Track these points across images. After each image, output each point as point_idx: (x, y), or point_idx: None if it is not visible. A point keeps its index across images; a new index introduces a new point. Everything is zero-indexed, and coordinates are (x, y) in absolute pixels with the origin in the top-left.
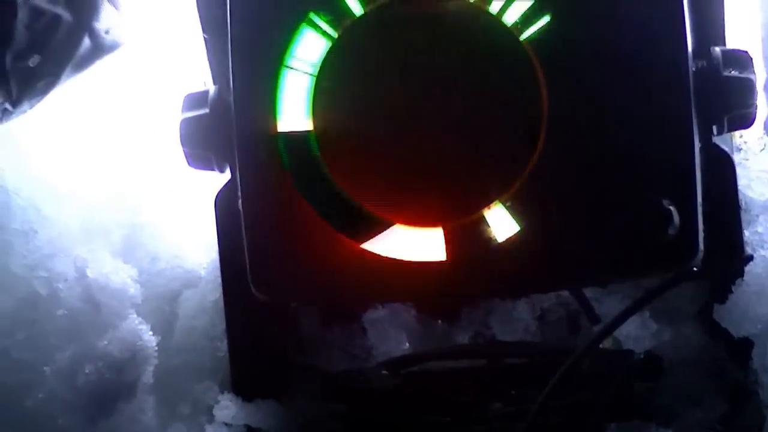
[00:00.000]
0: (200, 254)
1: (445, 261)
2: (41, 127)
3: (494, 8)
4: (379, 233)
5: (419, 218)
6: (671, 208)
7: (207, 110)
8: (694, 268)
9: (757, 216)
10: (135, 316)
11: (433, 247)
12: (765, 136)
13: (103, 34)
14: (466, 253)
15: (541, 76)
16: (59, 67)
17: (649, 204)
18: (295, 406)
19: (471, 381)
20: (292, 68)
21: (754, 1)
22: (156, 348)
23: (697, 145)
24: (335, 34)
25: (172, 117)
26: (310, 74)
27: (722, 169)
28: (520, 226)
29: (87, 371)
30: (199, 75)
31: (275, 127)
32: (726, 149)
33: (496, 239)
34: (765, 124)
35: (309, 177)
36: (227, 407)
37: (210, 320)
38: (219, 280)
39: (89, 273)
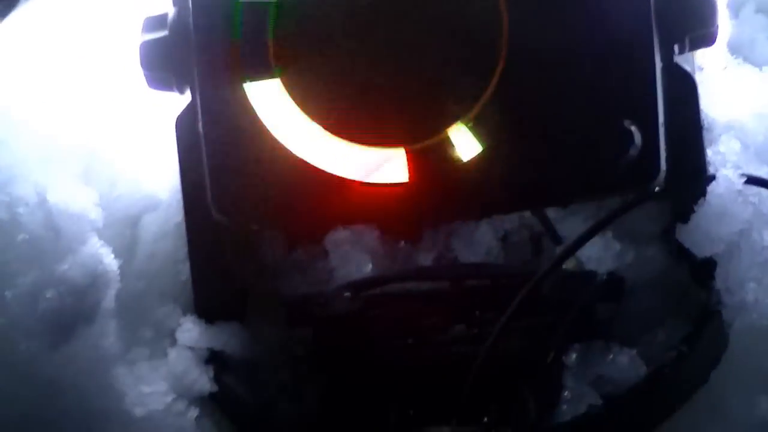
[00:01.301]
0: (161, 178)
1: (408, 182)
2: None
3: None
4: (340, 155)
5: (381, 139)
6: (632, 128)
7: (166, 32)
8: (656, 188)
9: (720, 135)
10: (96, 240)
11: (396, 168)
12: (728, 55)
13: None
14: (428, 174)
15: None
16: None
17: (610, 124)
18: (259, 331)
19: (433, 303)
20: None
21: None
22: (118, 272)
23: (659, 65)
24: None
25: (132, 40)
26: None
27: (684, 88)
28: (482, 146)
29: (48, 296)
30: None
31: (235, 45)
32: (688, 69)
33: (458, 160)
34: (728, 43)
35: (268, 99)
36: (189, 330)
37: (172, 244)
38: (181, 203)
39: (49, 198)
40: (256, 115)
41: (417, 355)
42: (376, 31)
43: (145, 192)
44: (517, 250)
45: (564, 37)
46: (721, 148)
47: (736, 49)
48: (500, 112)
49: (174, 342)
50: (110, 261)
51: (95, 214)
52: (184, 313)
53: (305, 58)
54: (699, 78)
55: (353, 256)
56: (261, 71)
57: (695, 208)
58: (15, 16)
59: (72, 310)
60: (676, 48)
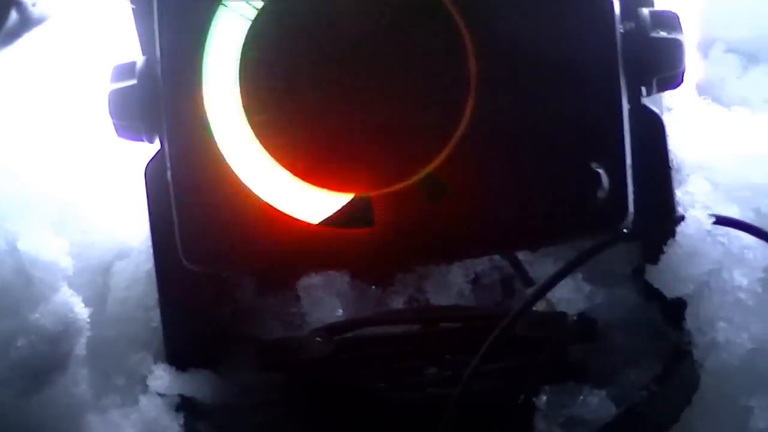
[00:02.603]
0: (132, 226)
1: (376, 227)
2: None
3: None
4: (308, 202)
5: (349, 184)
6: (600, 170)
7: (135, 81)
8: (625, 230)
9: (689, 176)
10: (67, 288)
11: (364, 213)
12: (696, 96)
13: (30, 7)
14: (397, 219)
15: (468, 40)
16: None
17: (578, 167)
18: (231, 376)
19: (406, 346)
20: (217, 43)
21: None
22: (89, 320)
23: (626, 106)
24: (261, 5)
25: (101, 89)
26: (237, 50)
27: (652, 129)
28: (450, 191)
29: (19, 344)
30: (127, 46)
31: (202, 97)
32: (656, 110)
33: (427, 204)
34: (696, 84)
35: (237, 146)
36: (161, 377)
37: (143, 291)
38: (151, 250)
39: (20, 246)
40: (224, 162)
41: (390, 398)
42: (344, 77)
43: (116, 240)
44: (489, 292)
45: (531, 81)
46: (690, 188)
47: (705, 89)
48: (468, 157)
49: (145, 389)
50: (81, 309)
51: (66, 263)
52: (156, 360)
53: (273, 104)
54: (667, 119)
55: (325, 301)
56: (230, 120)
57: (665, 248)
58: None
59: (44, 358)
60: (643, 90)
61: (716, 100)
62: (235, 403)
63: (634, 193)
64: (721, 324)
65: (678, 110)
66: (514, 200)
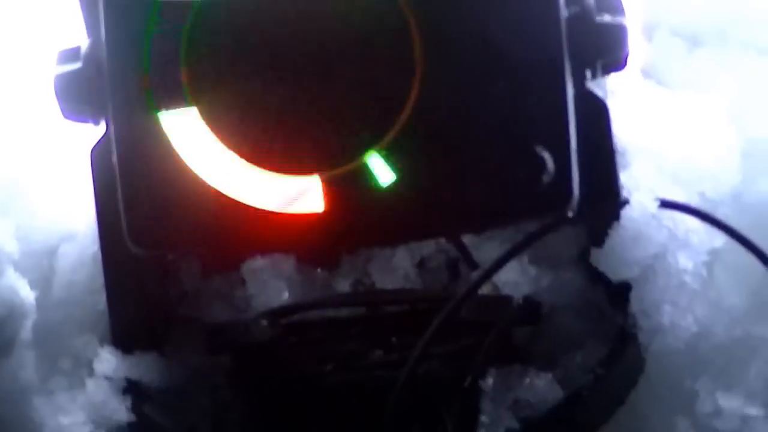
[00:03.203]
0: (77, 209)
1: (323, 210)
2: None
3: None
4: (253, 184)
5: (294, 167)
6: (545, 154)
7: (80, 64)
8: (570, 213)
9: (633, 160)
10: (12, 271)
11: (311, 196)
12: (641, 79)
13: None
14: (343, 202)
15: (413, 25)
16: None
17: (522, 150)
18: (177, 359)
19: (351, 329)
20: (162, 21)
21: None
22: (34, 303)
23: (570, 91)
24: None
25: (46, 72)
26: (181, 28)
27: (597, 113)
28: (396, 174)
29: None
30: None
31: (146, 79)
32: (600, 94)
33: (373, 188)
34: (641, 68)
35: (183, 128)
36: (107, 360)
37: (89, 274)
38: (97, 234)
39: None
40: (170, 144)
41: (337, 381)
42: (290, 59)
43: (62, 223)
44: (434, 275)
45: (476, 64)
46: (635, 171)
47: (649, 72)
48: (414, 140)
49: (92, 372)
50: (27, 292)
51: (12, 246)
52: (102, 344)
53: (219, 87)
54: (612, 102)
55: (271, 284)
56: (175, 100)
57: (610, 232)
58: None
59: None
60: (588, 73)
61: (661, 83)
62: (182, 385)
63: (579, 176)
64: (666, 307)
65: (622, 94)
66: (459, 183)
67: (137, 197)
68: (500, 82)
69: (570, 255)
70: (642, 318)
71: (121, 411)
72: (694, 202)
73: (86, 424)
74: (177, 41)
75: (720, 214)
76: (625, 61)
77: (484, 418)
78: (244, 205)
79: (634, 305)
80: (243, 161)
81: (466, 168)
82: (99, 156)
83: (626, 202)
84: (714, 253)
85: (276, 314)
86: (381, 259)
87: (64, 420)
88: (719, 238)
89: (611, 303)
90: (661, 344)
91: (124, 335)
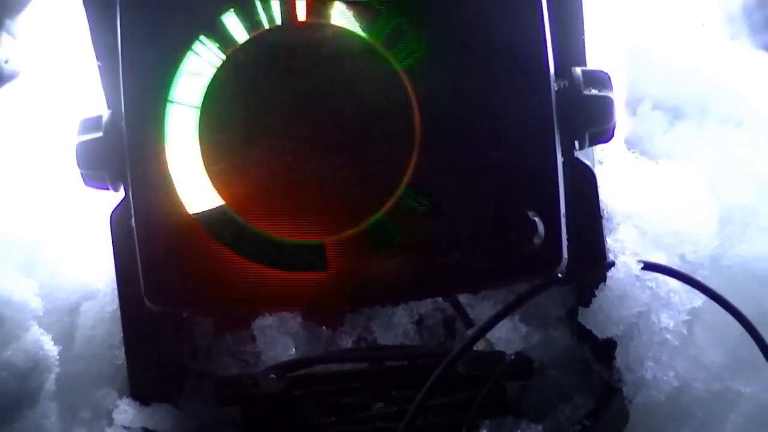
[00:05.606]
0: (98, 269)
1: (327, 272)
2: None
3: (371, 35)
4: (263, 247)
5: (301, 232)
6: (536, 219)
7: (101, 133)
8: (560, 275)
9: (618, 224)
10: (37, 327)
11: (315, 259)
12: (626, 150)
13: (2, 64)
14: (346, 264)
15: (414, 98)
16: None
17: (515, 215)
18: (190, 410)
19: (354, 383)
20: (178, 98)
21: (620, 26)
22: (57, 357)
23: (560, 159)
24: (219, 63)
25: (69, 140)
26: (196, 105)
27: (584, 181)
28: (397, 237)
29: None
30: (94, 100)
31: (164, 151)
32: (588, 163)
33: (374, 250)
34: (626, 139)
35: (196, 196)
36: (125, 411)
37: (108, 330)
38: (116, 292)
39: None
40: (185, 210)
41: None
42: (297, 129)
43: (83, 282)
44: (432, 332)
45: (472, 136)
46: (620, 236)
47: (633, 143)
48: (414, 205)
49: (111, 422)
50: (51, 347)
51: (36, 303)
52: (120, 395)
53: (230, 156)
54: (598, 171)
55: (278, 340)
56: (190, 170)
57: (596, 292)
58: None
59: (15, 394)
60: (576, 144)
61: (644, 153)
62: None
63: (568, 240)
64: (649, 363)
65: (609, 163)
66: (455, 246)
67: (154, 259)
68: (494, 152)
69: (559, 314)
70: (626, 373)
71: None
72: (675, 264)
73: None
74: (192, 114)
75: (699, 276)
76: (612, 133)
77: None
78: (254, 266)
79: (619, 361)
80: (253, 227)
81: (462, 232)
82: (118, 220)
83: (612, 264)
84: (694, 313)
85: (283, 368)
86: (382, 317)
87: None
88: (699, 299)
89: (598, 359)
90: (644, 397)
91: (142, 388)
